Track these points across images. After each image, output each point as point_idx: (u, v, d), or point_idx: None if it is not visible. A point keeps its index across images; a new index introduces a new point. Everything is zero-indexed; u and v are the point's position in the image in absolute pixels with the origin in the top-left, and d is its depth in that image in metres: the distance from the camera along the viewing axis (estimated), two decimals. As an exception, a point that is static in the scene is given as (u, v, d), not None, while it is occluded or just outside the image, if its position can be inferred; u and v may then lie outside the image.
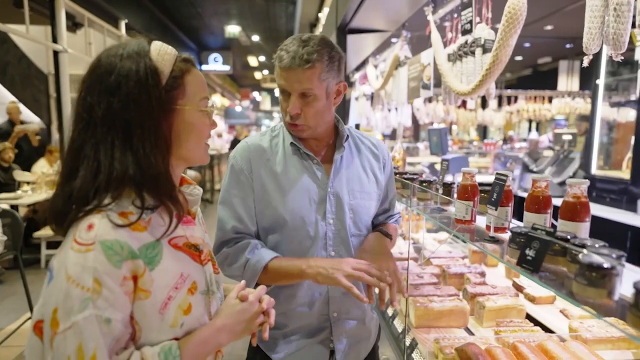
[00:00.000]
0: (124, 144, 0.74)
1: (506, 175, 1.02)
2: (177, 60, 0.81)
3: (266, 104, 23.89)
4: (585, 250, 0.70)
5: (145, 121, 0.75)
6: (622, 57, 1.25)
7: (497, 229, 1.06)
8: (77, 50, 4.85)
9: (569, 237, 0.80)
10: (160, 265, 0.75)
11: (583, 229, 0.90)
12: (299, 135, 1.18)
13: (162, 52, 0.79)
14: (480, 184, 1.23)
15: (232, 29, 10.05)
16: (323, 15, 6.57)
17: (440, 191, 1.44)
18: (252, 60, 14.48)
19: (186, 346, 0.76)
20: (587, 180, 0.90)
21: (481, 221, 1.21)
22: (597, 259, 0.65)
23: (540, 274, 0.78)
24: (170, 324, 0.76)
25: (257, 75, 17.91)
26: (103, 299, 0.68)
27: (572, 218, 0.91)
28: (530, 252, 0.80)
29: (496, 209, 1.02)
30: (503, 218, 1.06)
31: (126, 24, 6.62)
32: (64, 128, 4.49)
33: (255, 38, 11.53)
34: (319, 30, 7.22)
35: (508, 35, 1.77)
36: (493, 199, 1.03)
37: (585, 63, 1.32)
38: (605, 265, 0.63)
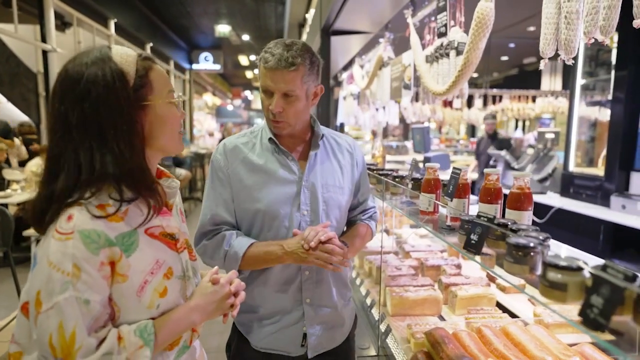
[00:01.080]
0: (101, 145, 0.80)
1: (460, 170, 1.11)
2: (139, 59, 0.87)
3: (258, 103, 23.85)
4: (516, 233, 0.80)
5: (117, 121, 0.81)
6: (573, 61, 1.36)
7: (453, 219, 1.16)
8: (66, 49, 4.88)
9: (508, 223, 0.90)
10: (137, 253, 0.83)
11: (526, 217, 1.00)
12: (279, 132, 1.26)
13: (124, 55, 0.85)
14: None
15: (222, 29, 10.09)
16: (310, 17, 6.65)
17: (410, 186, 1.54)
18: (243, 59, 14.51)
19: (161, 324, 0.84)
20: (529, 173, 1.00)
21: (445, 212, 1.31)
22: (520, 240, 0.74)
23: (481, 255, 0.88)
24: (147, 305, 0.84)
25: (249, 74, 17.92)
26: (82, 282, 0.75)
27: (517, 207, 1.01)
28: (474, 237, 0.89)
29: (452, 200, 1.12)
30: (460, 209, 1.16)
31: (115, 24, 6.64)
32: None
33: (246, 37, 11.57)
34: (306, 31, 7.30)
35: (477, 39, 1.87)
36: (449, 191, 1.13)
37: (542, 66, 1.43)
38: (527, 245, 0.73)
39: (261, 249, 1.22)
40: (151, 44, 8.18)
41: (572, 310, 1.61)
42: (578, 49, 1.35)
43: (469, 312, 1.84)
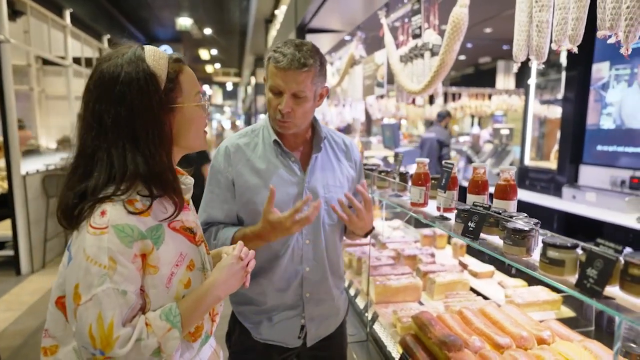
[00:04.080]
0: (134, 147, 0.84)
1: (452, 164, 1.22)
2: (170, 61, 0.90)
3: (217, 98, 23.41)
4: (511, 219, 0.91)
5: (149, 125, 0.85)
6: (544, 65, 1.51)
7: (445, 209, 1.27)
8: (17, 39, 4.57)
9: (500, 211, 1.02)
10: (164, 245, 0.87)
11: (512, 206, 1.12)
12: (284, 132, 1.28)
13: (156, 57, 0.88)
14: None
15: (184, 21, 9.83)
16: (280, 13, 6.64)
17: (397, 179, 1.64)
18: (204, 54, 14.19)
19: (184, 305, 0.88)
20: (514, 167, 1.12)
21: (431, 204, 1.42)
22: (519, 224, 0.85)
23: (479, 241, 0.99)
24: (174, 296, 0.88)
25: (209, 68, 17.54)
26: (118, 274, 0.79)
27: (503, 197, 1.13)
28: (471, 224, 1.00)
29: (445, 192, 1.23)
30: (450, 199, 1.27)
31: (71, 14, 6.30)
32: (8, 122, 4.24)
33: (208, 31, 11.33)
34: (275, 27, 7.28)
35: (452, 42, 2.00)
36: (442, 184, 1.24)
37: (515, 69, 1.57)
38: (525, 229, 0.84)
39: (247, 241, 1.20)
40: (108, 36, 7.83)
41: (539, 292, 1.77)
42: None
43: (447, 296, 1.98)
